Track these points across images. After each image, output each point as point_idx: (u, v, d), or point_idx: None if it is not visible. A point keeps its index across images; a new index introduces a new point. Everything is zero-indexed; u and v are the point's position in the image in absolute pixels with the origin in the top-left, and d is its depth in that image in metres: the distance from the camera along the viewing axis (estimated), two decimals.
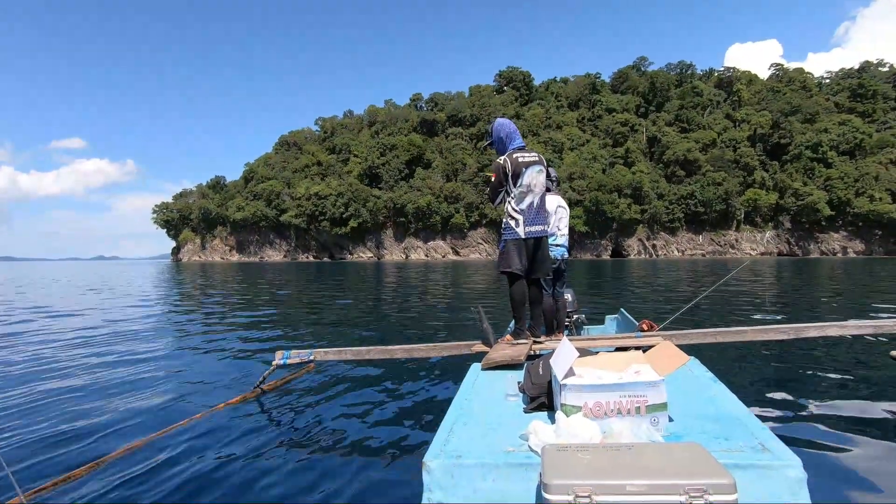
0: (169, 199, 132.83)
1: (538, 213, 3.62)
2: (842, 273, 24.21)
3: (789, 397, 3.71)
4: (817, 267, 32.54)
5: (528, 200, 3.59)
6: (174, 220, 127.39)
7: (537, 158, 3.65)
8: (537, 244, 3.65)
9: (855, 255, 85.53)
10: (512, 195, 3.58)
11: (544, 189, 3.69)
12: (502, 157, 3.60)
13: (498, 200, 3.69)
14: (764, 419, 1.87)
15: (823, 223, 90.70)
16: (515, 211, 3.57)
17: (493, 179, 3.63)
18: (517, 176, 3.55)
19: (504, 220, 3.65)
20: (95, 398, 4.02)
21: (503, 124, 3.76)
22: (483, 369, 3.00)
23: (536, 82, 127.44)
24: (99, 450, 2.91)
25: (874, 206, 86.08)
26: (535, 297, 3.80)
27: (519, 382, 2.53)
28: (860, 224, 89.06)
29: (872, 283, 16.62)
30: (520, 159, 3.57)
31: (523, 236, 3.57)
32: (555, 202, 4.39)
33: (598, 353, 2.47)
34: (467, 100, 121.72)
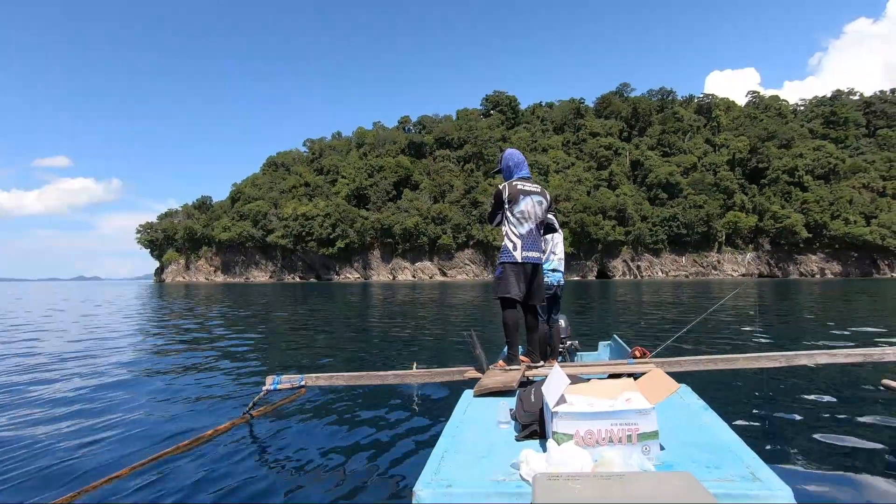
0: (154, 219, 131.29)
1: (535, 240, 3.73)
2: (820, 295, 24.70)
3: (780, 425, 3.71)
4: (797, 289, 33.14)
5: (526, 227, 3.69)
6: (158, 240, 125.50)
7: (539, 190, 3.81)
8: (534, 271, 3.73)
9: (833, 277, 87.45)
10: (511, 220, 3.69)
11: (540, 220, 3.79)
12: (503, 184, 3.76)
13: (496, 222, 3.82)
14: (754, 447, 1.90)
15: (801, 245, 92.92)
16: (515, 235, 3.67)
17: (492, 202, 3.80)
18: (513, 202, 3.68)
19: (503, 243, 3.74)
20: (77, 426, 3.91)
21: (512, 154, 3.92)
22: (475, 396, 3.00)
23: (522, 106, 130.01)
24: (81, 480, 2.84)
25: (849, 229, 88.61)
26: (532, 323, 3.84)
27: (511, 409, 2.51)
28: (836, 246, 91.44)
29: (852, 308, 16.99)
30: (519, 187, 3.71)
31: (520, 260, 3.64)
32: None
33: (589, 380, 2.51)
34: (455, 123, 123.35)
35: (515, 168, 3.85)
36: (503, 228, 3.75)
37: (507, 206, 3.70)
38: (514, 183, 3.73)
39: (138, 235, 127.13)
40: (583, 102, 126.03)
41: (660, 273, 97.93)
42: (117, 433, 3.73)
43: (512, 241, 3.66)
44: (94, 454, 3.30)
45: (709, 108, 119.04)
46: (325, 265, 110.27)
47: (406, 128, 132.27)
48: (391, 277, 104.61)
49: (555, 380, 2.17)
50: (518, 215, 3.68)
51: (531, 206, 3.71)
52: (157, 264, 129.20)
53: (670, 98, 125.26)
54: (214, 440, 3.48)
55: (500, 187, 3.74)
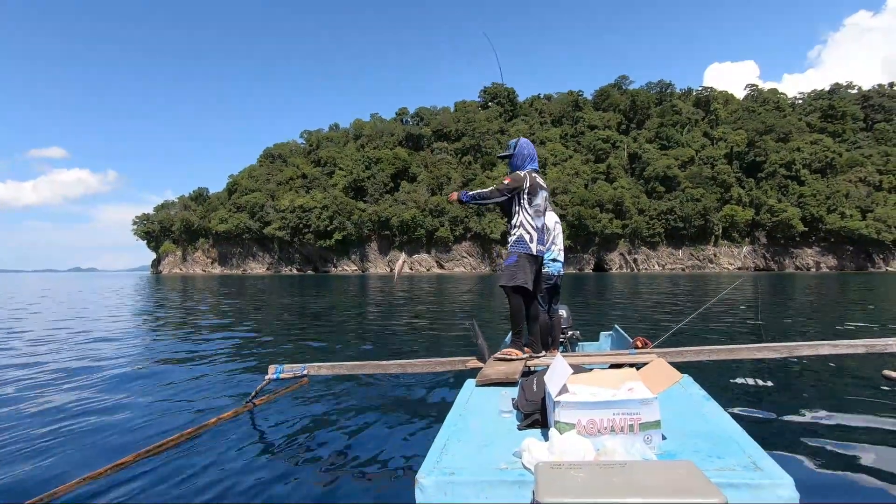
0: (150, 211, 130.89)
1: (543, 234, 3.81)
2: (817, 288, 24.84)
3: (782, 415, 3.72)
4: (793, 283, 33.30)
5: (540, 221, 3.75)
6: (155, 231, 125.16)
7: (546, 186, 3.88)
8: (540, 262, 3.83)
9: (828, 270, 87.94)
10: (529, 212, 3.71)
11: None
12: (523, 172, 3.75)
13: (493, 201, 3.73)
14: (756, 437, 1.91)
15: (797, 239, 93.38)
16: (531, 227, 3.70)
17: (506, 182, 3.71)
18: (532, 194, 3.71)
19: (517, 232, 3.72)
20: (79, 415, 3.92)
21: (528, 144, 3.91)
22: (477, 385, 3.01)
23: (521, 99, 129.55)
24: (85, 468, 2.84)
25: (845, 223, 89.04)
26: (536, 313, 3.88)
27: (513, 399, 2.52)
28: (832, 240, 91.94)
29: (850, 301, 17.10)
30: (537, 179, 3.75)
31: (534, 252, 3.69)
32: (552, 218, 4.48)
33: (591, 369, 2.53)
34: (452, 115, 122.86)
35: (529, 160, 3.84)
36: (518, 218, 3.73)
37: (525, 197, 3.70)
38: (533, 174, 3.75)
39: (134, 227, 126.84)
40: (581, 95, 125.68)
41: (656, 266, 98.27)
42: (120, 422, 3.75)
43: (528, 233, 3.68)
44: (99, 442, 3.32)
45: (707, 102, 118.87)
46: (322, 257, 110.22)
47: (404, 119, 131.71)
48: (388, 270, 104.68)
49: (557, 369, 2.19)
50: (535, 208, 3.72)
51: (545, 199, 3.79)
52: (153, 256, 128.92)
53: (669, 91, 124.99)
54: (217, 429, 3.50)
55: (522, 174, 3.71)
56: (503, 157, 3.95)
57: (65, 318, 12.51)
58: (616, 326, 5.48)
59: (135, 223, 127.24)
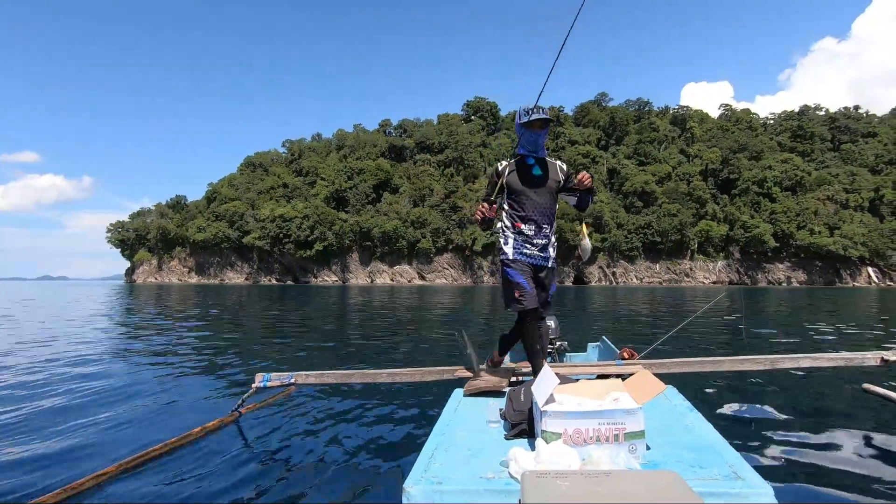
0: (126, 218, 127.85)
1: None
2: (791, 302, 25.55)
3: (762, 426, 3.77)
4: (766, 297, 34.13)
5: None
6: (130, 239, 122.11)
7: None
8: None
9: (798, 285, 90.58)
10: None
11: None
12: None
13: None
14: (737, 448, 1.97)
15: (769, 254, 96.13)
16: None
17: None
18: None
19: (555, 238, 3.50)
20: (60, 426, 3.82)
21: None
22: (465, 395, 3.04)
23: (503, 112, 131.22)
24: (64, 478, 2.78)
25: (814, 239, 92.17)
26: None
27: (501, 409, 2.54)
28: (802, 256, 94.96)
29: (824, 315, 17.62)
30: None
31: None
32: None
33: (578, 380, 2.59)
34: (435, 127, 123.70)
35: None
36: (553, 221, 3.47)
37: None
38: None
39: (108, 235, 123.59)
40: (562, 111, 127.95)
41: (634, 279, 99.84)
42: (103, 431, 3.67)
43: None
44: (80, 452, 3.25)
45: (683, 120, 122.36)
46: (302, 267, 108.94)
47: (387, 131, 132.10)
48: (369, 281, 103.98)
49: (544, 379, 2.22)
50: None
51: None
52: (127, 265, 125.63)
53: (647, 109, 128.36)
54: (203, 438, 3.46)
55: None
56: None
57: (40, 327, 12.11)
58: (603, 337, 5.53)
59: (109, 231, 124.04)
